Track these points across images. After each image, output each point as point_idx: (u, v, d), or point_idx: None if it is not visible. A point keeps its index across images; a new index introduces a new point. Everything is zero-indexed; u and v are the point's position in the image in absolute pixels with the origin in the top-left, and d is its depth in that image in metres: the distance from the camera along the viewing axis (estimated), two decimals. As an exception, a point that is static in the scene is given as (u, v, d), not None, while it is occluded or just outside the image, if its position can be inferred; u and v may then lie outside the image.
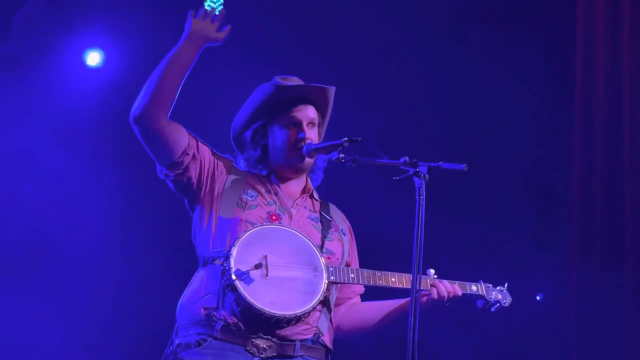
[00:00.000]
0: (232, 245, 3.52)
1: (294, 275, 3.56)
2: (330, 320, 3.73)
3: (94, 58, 6.49)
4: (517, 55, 6.78)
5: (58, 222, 6.24)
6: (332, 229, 3.81)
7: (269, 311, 3.47)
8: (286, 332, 3.55)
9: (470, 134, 6.80)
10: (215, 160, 3.76)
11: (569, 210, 6.60)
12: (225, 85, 5.74)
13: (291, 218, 3.74)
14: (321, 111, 3.90)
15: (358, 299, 3.96)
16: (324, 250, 3.70)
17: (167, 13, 6.31)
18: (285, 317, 3.50)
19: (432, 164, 3.53)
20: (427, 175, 3.50)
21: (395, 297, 3.87)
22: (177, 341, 3.59)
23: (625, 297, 6.32)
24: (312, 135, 3.81)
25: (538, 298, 6.78)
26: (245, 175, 3.82)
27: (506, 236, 6.62)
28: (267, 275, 3.52)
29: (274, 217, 3.69)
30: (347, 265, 3.82)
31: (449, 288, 3.82)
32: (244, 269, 3.49)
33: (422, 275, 3.53)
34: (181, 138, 3.66)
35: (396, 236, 5.15)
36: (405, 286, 3.76)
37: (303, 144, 3.76)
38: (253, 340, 3.52)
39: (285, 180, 3.84)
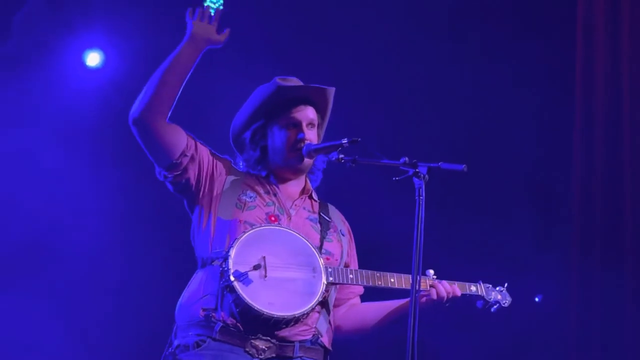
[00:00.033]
0: (230, 246, 3.52)
1: (293, 276, 3.56)
2: (329, 321, 3.73)
3: (93, 58, 6.49)
4: (517, 55, 6.78)
5: (58, 222, 6.24)
6: (331, 229, 3.81)
7: (267, 312, 3.47)
8: (285, 333, 3.55)
9: (470, 134, 6.80)
10: (214, 161, 3.76)
11: (569, 210, 6.59)
12: (225, 85, 5.73)
13: (290, 219, 3.74)
14: (321, 112, 3.90)
15: (357, 299, 3.96)
16: (323, 251, 3.70)
17: (166, 14, 6.30)
18: (284, 318, 3.50)
19: (431, 165, 3.53)
20: (426, 176, 3.50)
21: (394, 298, 3.87)
22: (176, 342, 3.59)
23: (625, 297, 6.32)
24: (312, 136, 3.81)
25: (537, 299, 6.78)
26: (244, 176, 3.82)
27: (506, 236, 6.62)
28: (265, 276, 3.52)
29: (272, 218, 3.69)
30: (346, 266, 3.82)
31: (448, 289, 3.82)
32: (242, 270, 3.49)
33: (422, 276, 3.53)
34: (179, 140, 3.66)
35: (396, 236, 5.14)
36: (404, 287, 3.76)
37: (302, 144, 3.76)
38: (252, 341, 3.52)
39: (284, 181, 3.84)
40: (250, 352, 3.52)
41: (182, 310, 3.62)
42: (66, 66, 6.46)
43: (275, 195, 3.79)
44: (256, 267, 3.51)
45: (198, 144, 3.73)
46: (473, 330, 6.35)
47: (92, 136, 6.35)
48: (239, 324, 3.50)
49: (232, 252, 3.50)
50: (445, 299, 3.80)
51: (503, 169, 6.85)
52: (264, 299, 3.47)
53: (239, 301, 3.46)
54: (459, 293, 3.85)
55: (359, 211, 5.90)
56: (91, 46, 6.48)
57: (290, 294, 3.53)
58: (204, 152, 3.74)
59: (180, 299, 3.66)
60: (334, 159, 3.68)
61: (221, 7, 3.69)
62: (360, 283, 3.74)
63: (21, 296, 6.15)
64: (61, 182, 6.25)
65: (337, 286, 3.78)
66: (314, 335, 3.63)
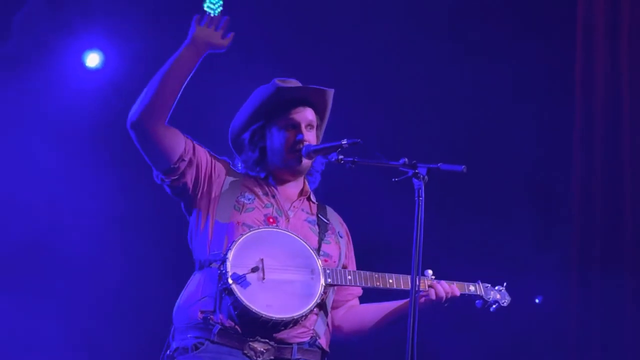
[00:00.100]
0: (228, 248, 3.52)
1: (291, 278, 3.56)
2: (327, 323, 3.73)
3: (93, 59, 6.49)
4: (517, 55, 6.78)
5: (58, 222, 6.25)
6: (329, 231, 3.80)
7: (265, 314, 3.46)
8: (283, 335, 3.55)
9: (470, 134, 6.80)
10: (213, 163, 3.75)
11: (569, 211, 6.60)
12: (224, 86, 5.74)
13: (288, 221, 3.73)
14: (320, 113, 3.89)
15: (356, 301, 3.95)
16: (321, 252, 3.70)
17: (166, 15, 6.31)
18: (282, 320, 3.49)
19: (431, 166, 3.53)
20: (426, 177, 3.50)
21: (393, 299, 3.86)
22: (174, 345, 3.59)
23: (625, 297, 6.32)
24: (311, 137, 3.81)
25: (537, 301, 6.78)
26: (242, 177, 3.81)
27: (506, 236, 6.62)
28: (263, 278, 3.51)
29: (271, 220, 3.69)
30: (344, 267, 3.81)
31: (447, 289, 3.81)
32: (240, 272, 3.48)
33: (420, 276, 3.53)
34: (178, 144, 3.64)
35: (396, 236, 5.14)
36: (402, 287, 3.75)
37: (301, 145, 3.75)
38: (250, 343, 3.51)
39: (283, 182, 3.83)
40: (249, 355, 3.51)
41: (180, 312, 3.61)
42: (66, 67, 6.46)
43: (273, 196, 3.78)
44: (254, 270, 3.50)
45: (196, 146, 3.72)
46: (473, 330, 6.36)
47: (92, 136, 6.35)
48: (237, 327, 3.50)
49: (230, 255, 3.50)
50: (444, 299, 3.80)
51: (503, 169, 6.86)
52: (262, 301, 3.47)
53: (237, 304, 3.46)
54: (457, 293, 3.85)
55: (359, 211, 5.91)
56: (91, 47, 6.48)
57: (288, 296, 3.52)
58: (202, 155, 3.72)
59: (178, 301, 3.66)
60: (333, 159, 3.68)
61: (220, 9, 3.69)
62: (358, 284, 3.73)
63: (21, 296, 6.15)
64: (61, 182, 6.26)
65: (335, 288, 3.77)
66: (312, 337, 3.62)
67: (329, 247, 3.75)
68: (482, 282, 3.99)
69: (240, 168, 3.87)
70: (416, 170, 3.50)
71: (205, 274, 3.59)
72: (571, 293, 6.49)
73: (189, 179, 3.67)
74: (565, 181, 6.72)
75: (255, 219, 3.66)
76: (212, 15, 3.68)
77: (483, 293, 3.98)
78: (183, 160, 3.65)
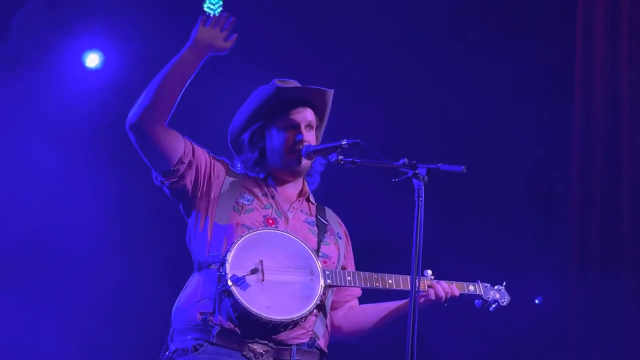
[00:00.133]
0: (227, 250, 3.51)
1: (290, 280, 3.55)
2: (326, 324, 3.73)
3: (93, 60, 6.49)
4: (517, 55, 6.78)
5: (58, 222, 6.24)
6: (328, 232, 3.80)
7: (265, 316, 3.46)
8: (282, 336, 3.54)
9: (470, 134, 6.80)
10: (212, 164, 3.74)
11: (569, 211, 6.60)
12: (224, 86, 5.74)
13: (287, 222, 3.73)
14: (319, 114, 3.89)
15: (356, 301, 3.95)
16: (320, 254, 3.70)
17: (166, 15, 6.31)
18: (282, 321, 3.49)
19: (431, 166, 3.52)
20: (426, 177, 3.49)
21: (392, 299, 3.86)
22: (173, 346, 3.58)
23: (625, 297, 6.32)
24: (310, 138, 3.80)
25: (537, 302, 6.78)
26: (242, 178, 3.80)
27: (506, 236, 6.62)
28: (263, 280, 3.51)
29: (270, 221, 3.68)
30: (343, 268, 3.81)
31: (446, 289, 3.81)
32: (240, 274, 3.48)
33: (420, 276, 3.53)
34: (177, 146, 3.63)
35: (396, 236, 5.14)
36: (402, 288, 3.76)
37: (301, 146, 3.75)
38: (249, 345, 3.51)
39: (282, 183, 3.83)
40: (248, 356, 3.51)
41: (179, 314, 3.61)
42: (66, 67, 6.46)
43: (273, 197, 3.77)
44: (253, 271, 3.50)
45: (196, 148, 3.70)
46: (473, 330, 6.36)
47: (92, 137, 6.35)
48: (236, 328, 3.50)
49: (229, 257, 3.49)
50: (443, 299, 3.80)
51: (503, 169, 6.86)
52: (261, 303, 3.47)
53: (236, 305, 3.45)
54: (457, 293, 3.85)
55: (359, 212, 5.92)
56: (91, 47, 6.48)
57: (288, 298, 3.52)
58: (202, 156, 3.71)
59: (176, 302, 3.65)
60: (333, 160, 3.67)
61: (220, 9, 3.68)
62: (358, 285, 3.73)
63: (21, 296, 6.15)
64: (60, 182, 6.26)
65: (335, 289, 3.77)
66: (310, 338, 3.62)
67: (327, 248, 3.75)
68: (481, 282, 3.99)
69: (239, 169, 3.87)
70: (416, 171, 3.50)
71: (204, 275, 3.58)
72: (571, 293, 6.49)
73: (189, 180, 3.67)
74: (565, 181, 6.72)
75: (255, 220, 3.65)
76: (216, 15, 3.64)
77: (482, 293, 3.98)
78: (182, 162, 3.63)
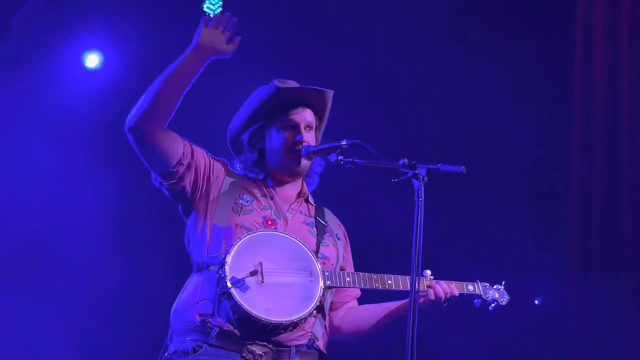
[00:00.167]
0: (226, 252, 3.51)
1: (290, 281, 3.55)
2: (325, 325, 3.73)
3: (92, 60, 6.49)
4: (517, 55, 6.78)
5: (58, 222, 6.25)
6: (327, 234, 3.80)
7: (265, 318, 3.46)
8: (282, 338, 3.54)
9: (470, 134, 6.80)
10: (211, 165, 3.73)
11: (569, 211, 6.60)
12: (223, 86, 5.74)
13: (287, 223, 3.72)
14: (319, 115, 3.89)
15: (355, 302, 3.95)
16: (319, 255, 3.69)
17: (166, 16, 6.31)
18: (282, 323, 3.49)
19: (430, 166, 3.52)
20: (425, 178, 3.49)
21: (391, 299, 3.86)
22: (172, 347, 3.58)
23: (624, 297, 6.32)
24: (309, 138, 3.80)
25: (536, 302, 6.78)
26: (241, 179, 3.80)
27: (506, 236, 6.61)
28: (262, 282, 3.51)
29: (269, 222, 3.68)
30: (342, 269, 3.81)
31: (445, 289, 3.81)
32: (239, 276, 3.47)
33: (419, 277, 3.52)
34: (176, 148, 3.62)
35: (396, 236, 5.14)
36: (401, 288, 3.76)
37: (300, 146, 3.75)
38: (248, 346, 3.51)
39: (281, 183, 3.83)
40: (247, 357, 3.50)
41: (178, 315, 3.60)
42: (65, 67, 6.46)
43: (272, 198, 3.77)
44: (253, 273, 3.50)
45: (195, 149, 3.69)
46: (473, 330, 6.36)
47: (92, 137, 6.35)
48: (235, 330, 3.49)
49: (229, 259, 3.49)
50: (443, 299, 3.80)
51: (503, 169, 6.86)
52: (261, 305, 3.46)
53: (236, 308, 3.45)
54: (456, 293, 3.85)
55: (359, 212, 5.92)
56: (90, 48, 6.49)
57: (287, 299, 3.52)
58: (201, 157, 3.70)
59: (175, 303, 3.65)
60: (333, 160, 3.67)
61: (220, 9, 3.68)
62: (357, 286, 3.73)
63: (20, 296, 6.15)
64: (60, 182, 6.26)
65: (333, 290, 3.77)
66: (310, 339, 3.62)
67: (327, 250, 3.75)
68: (480, 282, 3.99)
69: (238, 169, 3.86)
70: (416, 171, 3.50)
71: (203, 276, 3.58)
72: (571, 293, 6.49)
73: (187, 182, 3.66)
74: (565, 181, 6.72)
75: (254, 221, 3.65)
76: (218, 15, 3.61)
77: (482, 292, 3.98)
78: (181, 164, 3.63)
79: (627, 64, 6.50)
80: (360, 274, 3.73)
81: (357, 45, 6.75)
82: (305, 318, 3.55)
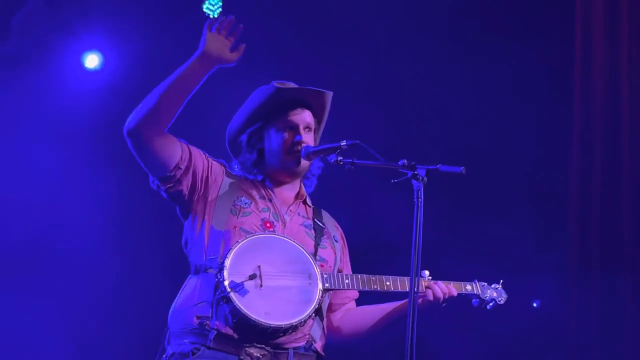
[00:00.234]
0: (225, 256, 3.50)
1: (289, 284, 3.55)
2: (323, 327, 3.73)
3: (92, 60, 6.49)
4: (517, 55, 6.78)
5: (58, 222, 6.25)
6: (325, 236, 3.80)
7: (265, 322, 3.46)
8: (280, 340, 3.54)
9: (470, 134, 6.80)
10: (210, 166, 3.72)
11: (569, 211, 6.59)
12: (223, 87, 5.74)
13: (285, 225, 3.72)
14: (318, 117, 3.89)
15: (353, 303, 3.96)
16: (317, 257, 3.70)
17: (166, 16, 6.31)
18: (282, 327, 3.49)
19: (430, 167, 3.52)
20: (425, 178, 3.49)
21: (390, 300, 3.86)
22: (170, 350, 3.57)
23: (625, 297, 6.32)
24: (308, 139, 3.80)
25: (535, 305, 6.78)
26: (239, 180, 3.80)
27: (506, 236, 6.61)
28: (261, 285, 3.51)
29: (268, 224, 3.68)
30: (339, 271, 3.81)
31: (444, 289, 3.82)
32: (238, 280, 3.47)
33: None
34: (174, 152, 3.61)
35: (396, 237, 5.14)
36: (400, 289, 3.77)
37: (300, 147, 3.75)
38: (246, 349, 3.51)
39: (279, 184, 3.82)
40: (245, 360, 3.51)
41: (176, 316, 3.60)
42: (65, 68, 6.46)
43: (270, 200, 3.77)
44: (252, 277, 3.50)
45: (193, 152, 3.68)
46: (472, 331, 6.36)
47: (91, 137, 6.35)
48: (233, 333, 3.49)
49: (227, 263, 3.49)
50: (441, 299, 3.81)
51: (503, 168, 6.85)
52: (260, 308, 3.46)
53: (235, 312, 3.45)
54: (455, 293, 3.85)
55: (358, 212, 5.91)
56: (90, 48, 6.49)
57: (286, 303, 3.52)
58: (199, 160, 3.69)
59: (173, 304, 3.64)
60: (332, 161, 3.66)
61: (220, 10, 3.66)
62: (356, 288, 3.73)
63: (20, 296, 6.15)
64: (60, 182, 6.26)
65: (331, 292, 3.76)
66: (307, 341, 3.62)
67: (324, 252, 3.75)
68: (478, 281, 3.99)
69: (236, 170, 3.85)
70: (415, 172, 3.49)
71: (201, 278, 3.57)
72: (571, 293, 6.49)
73: (185, 185, 3.65)
74: (565, 181, 6.72)
75: (252, 223, 3.65)
76: (223, 19, 3.56)
77: (480, 292, 3.99)
78: (179, 168, 3.62)
79: (627, 64, 6.49)
80: (359, 275, 3.74)
81: (357, 45, 6.75)
82: (305, 321, 3.55)
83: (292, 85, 3.85)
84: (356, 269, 3.91)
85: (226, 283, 3.46)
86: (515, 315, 5.84)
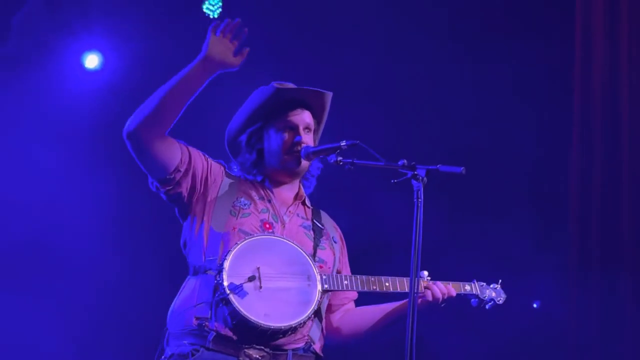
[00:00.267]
0: (224, 258, 3.50)
1: (288, 286, 3.55)
2: (322, 328, 3.73)
3: (92, 61, 6.49)
4: (517, 55, 6.78)
5: (58, 222, 6.25)
6: (324, 237, 3.80)
7: (264, 324, 3.45)
8: (279, 342, 3.53)
9: (470, 134, 6.80)
10: (209, 167, 3.72)
11: (569, 211, 6.59)
12: (222, 87, 5.73)
13: (284, 226, 3.72)
14: (317, 117, 3.88)
15: (352, 304, 3.96)
16: (316, 258, 3.69)
17: (166, 16, 6.31)
18: (281, 329, 3.49)
19: (430, 167, 3.51)
20: (425, 178, 3.48)
21: (388, 301, 3.86)
22: (169, 351, 3.57)
23: (625, 298, 6.32)
24: (308, 140, 3.79)
25: (535, 306, 6.78)
26: (238, 181, 3.79)
27: (506, 236, 6.61)
28: (260, 287, 3.50)
29: (267, 226, 3.67)
30: (338, 272, 3.81)
31: (443, 289, 3.82)
32: (237, 282, 3.47)
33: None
34: (173, 155, 3.59)
35: (396, 236, 5.15)
36: (399, 290, 3.76)
37: (299, 147, 3.74)
38: (245, 350, 3.50)
39: (279, 184, 3.82)
40: (244, 361, 3.51)
41: (174, 317, 3.59)
42: (65, 68, 6.46)
43: (269, 201, 3.76)
44: (251, 279, 3.49)
45: (192, 154, 3.67)
46: (473, 331, 6.36)
47: (91, 137, 6.35)
48: (233, 334, 3.49)
49: (226, 265, 3.48)
50: (440, 300, 3.81)
51: (503, 168, 6.85)
52: (260, 310, 3.46)
53: (235, 314, 3.44)
54: (454, 293, 3.86)
55: (358, 212, 5.91)
56: (90, 48, 6.49)
57: (285, 304, 3.52)
58: (198, 162, 3.68)
59: (172, 305, 3.64)
60: (332, 161, 3.66)
61: (220, 10, 3.66)
62: (355, 289, 3.73)
63: (20, 296, 6.16)
64: (60, 182, 6.26)
65: (330, 293, 3.76)
66: (306, 343, 3.62)
67: (323, 253, 3.75)
68: (477, 281, 3.99)
69: (235, 171, 3.85)
70: (415, 172, 3.49)
71: (200, 280, 3.56)
72: (571, 293, 6.49)
73: (185, 188, 3.65)
74: (565, 181, 6.72)
75: (252, 224, 3.64)
76: (229, 21, 3.53)
77: (479, 292, 3.99)
78: (179, 171, 3.61)
79: (627, 64, 6.50)
80: (358, 276, 3.73)
81: (357, 45, 6.75)
82: (304, 322, 3.55)
83: (291, 85, 3.85)
84: (356, 269, 3.91)
85: (225, 285, 3.45)
86: (515, 316, 5.84)
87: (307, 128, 3.81)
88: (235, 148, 3.88)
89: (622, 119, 6.47)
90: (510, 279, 4.18)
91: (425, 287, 3.80)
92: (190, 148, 3.69)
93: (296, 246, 3.62)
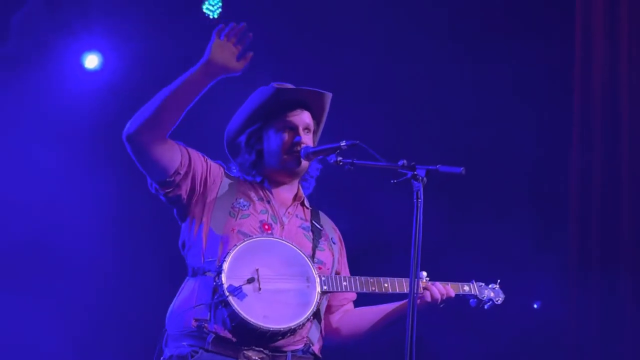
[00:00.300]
0: (223, 260, 3.50)
1: (287, 287, 3.55)
2: (321, 330, 3.73)
3: (92, 61, 6.49)
4: (517, 55, 6.78)
5: (58, 222, 6.25)
6: (323, 238, 3.80)
7: (264, 326, 3.45)
8: (278, 343, 3.53)
9: (470, 134, 6.80)
10: (208, 169, 3.71)
11: (569, 211, 6.59)
12: (222, 87, 5.73)
13: (283, 227, 3.72)
14: (317, 118, 3.88)
15: (351, 305, 3.96)
16: (315, 260, 3.69)
17: (166, 16, 6.31)
18: (280, 330, 3.49)
19: (430, 167, 3.51)
20: (425, 179, 3.48)
21: (387, 302, 3.86)
22: (168, 352, 3.56)
23: (625, 298, 6.32)
24: (307, 140, 3.79)
25: (535, 306, 6.78)
26: (237, 182, 3.78)
27: (506, 236, 6.61)
28: (259, 289, 3.50)
29: (266, 227, 3.66)
30: (337, 273, 3.81)
31: (442, 290, 3.82)
32: (236, 284, 3.46)
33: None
34: (173, 158, 3.58)
35: (396, 237, 5.14)
36: (397, 291, 3.77)
37: (299, 147, 3.74)
38: (245, 352, 3.50)
39: (278, 185, 3.81)
40: (243, 363, 3.50)
41: (173, 318, 3.59)
42: (64, 68, 6.46)
43: (269, 202, 3.76)
44: (250, 281, 3.49)
45: (192, 156, 3.66)
46: (472, 331, 6.36)
47: (91, 137, 6.35)
48: (232, 336, 3.48)
49: (225, 266, 3.48)
50: (439, 300, 3.81)
51: (503, 169, 6.85)
52: (259, 312, 3.46)
53: (234, 316, 3.44)
54: (452, 294, 3.86)
55: (358, 212, 5.91)
56: (90, 48, 6.49)
57: (285, 306, 3.51)
58: (198, 163, 3.67)
59: (171, 306, 3.63)
60: (332, 161, 3.66)
61: (220, 10, 3.66)
62: (354, 290, 3.74)
63: (20, 296, 6.15)
64: (60, 182, 6.26)
65: (329, 294, 3.76)
66: (305, 344, 3.62)
67: (322, 254, 3.75)
68: (475, 281, 3.99)
69: (235, 172, 3.84)
70: (415, 172, 3.49)
71: (199, 281, 3.56)
72: (571, 293, 6.49)
73: (184, 190, 3.64)
74: (565, 181, 6.72)
75: (251, 225, 3.64)
76: (234, 25, 3.50)
77: (477, 292, 3.99)
78: (179, 173, 3.60)
79: (627, 64, 6.50)
80: (357, 277, 3.74)
81: (357, 45, 6.75)
82: (303, 324, 3.55)
83: (290, 86, 3.85)
84: (356, 269, 3.91)
85: (225, 287, 3.45)
86: (515, 316, 5.84)
87: (306, 128, 3.81)
88: (234, 149, 3.87)
89: (622, 119, 6.47)
90: (510, 279, 4.18)
91: (424, 288, 3.80)
92: (190, 150, 3.68)
93: (295, 247, 3.62)
